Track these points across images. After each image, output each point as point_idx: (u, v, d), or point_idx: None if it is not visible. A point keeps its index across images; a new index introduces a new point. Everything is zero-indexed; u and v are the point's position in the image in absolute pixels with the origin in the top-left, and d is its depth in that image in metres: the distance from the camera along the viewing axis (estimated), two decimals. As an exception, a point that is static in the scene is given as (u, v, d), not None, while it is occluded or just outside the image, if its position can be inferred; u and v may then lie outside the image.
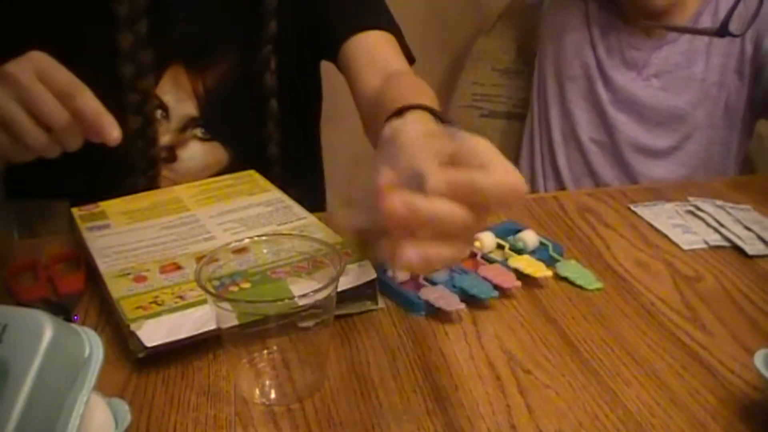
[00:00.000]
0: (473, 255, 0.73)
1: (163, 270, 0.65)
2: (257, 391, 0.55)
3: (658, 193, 0.91)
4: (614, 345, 0.61)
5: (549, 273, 0.70)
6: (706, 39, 1.18)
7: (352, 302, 0.64)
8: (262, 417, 0.53)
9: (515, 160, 1.48)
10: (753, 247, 0.77)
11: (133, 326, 0.57)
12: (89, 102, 0.59)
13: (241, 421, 0.53)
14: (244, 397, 0.55)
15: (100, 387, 0.44)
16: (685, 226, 0.82)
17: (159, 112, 0.89)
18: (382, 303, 0.66)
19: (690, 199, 0.88)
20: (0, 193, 0.95)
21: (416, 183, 0.44)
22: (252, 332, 0.53)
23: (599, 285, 0.70)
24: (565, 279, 0.71)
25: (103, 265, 0.66)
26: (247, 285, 0.58)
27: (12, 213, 0.99)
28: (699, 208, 0.85)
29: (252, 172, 0.87)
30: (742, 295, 0.69)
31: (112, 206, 0.78)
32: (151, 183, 0.89)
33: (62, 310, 0.64)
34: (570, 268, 0.72)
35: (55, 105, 0.58)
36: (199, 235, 0.71)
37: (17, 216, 0.99)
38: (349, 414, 0.53)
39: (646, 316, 0.66)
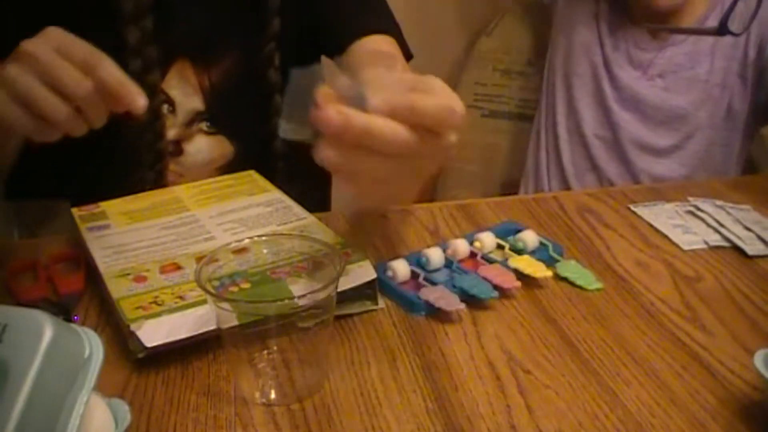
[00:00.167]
0: (473, 255, 0.73)
1: (163, 270, 0.65)
2: (257, 391, 0.55)
3: (658, 194, 0.91)
4: (614, 345, 0.61)
5: (549, 273, 0.69)
6: (710, 41, 1.19)
7: (352, 302, 0.64)
8: (262, 417, 0.53)
9: (518, 158, 1.48)
10: (753, 248, 0.77)
11: (133, 326, 0.57)
12: (112, 71, 0.58)
13: (241, 421, 0.53)
14: (244, 397, 0.55)
15: (100, 387, 0.44)
16: (685, 227, 0.82)
17: (165, 107, 0.89)
18: (382, 303, 0.66)
19: (690, 199, 0.88)
20: (0, 193, 0.95)
21: (359, 102, 0.47)
22: (252, 332, 0.53)
23: (599, 285, 0.70)
24: (565, 279, 0.71)
25: (103, 265, 0.66)
26: (247, 285, 0.58)
27: (12, 213, 0.99)
28: (699, 209, 0.85)
29: (252, 172, 0.87)
30: (742, 295, 0.69)
31: (112, 206, 0.78)
32: (159, 177, 0.90)
33: (62, 310, 0.64)
34: (570, 268, 0.72)
35: (78, 75, 0.57)
36: (199, 236, 0.71)
37: (17, 216, 0.99)
38: (349, 414, 0.53)
39: (646, 316, 0.66)
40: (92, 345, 0.44)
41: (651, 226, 0.83)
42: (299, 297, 0.51)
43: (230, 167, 0.92)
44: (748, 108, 1.23)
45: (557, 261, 0.73)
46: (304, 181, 0.85)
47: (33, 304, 0.63)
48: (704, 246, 0.78)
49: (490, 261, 0.72)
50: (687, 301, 0.68)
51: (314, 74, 0.50)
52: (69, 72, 0.57)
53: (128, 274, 0.64)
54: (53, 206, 0.92)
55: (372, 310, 0.65)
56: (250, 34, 0.91)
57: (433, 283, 0.67)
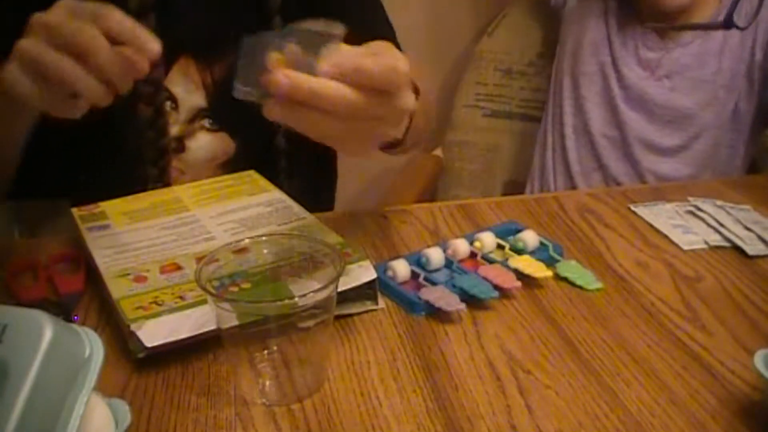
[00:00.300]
0: (473, 255, 0.73)
1: (163, 270, 0.65)
2: (257, 391, 0.55)
3: (659, 194, 0.91)
4: (614, 345, 0.61)
5: (549, 273, 0.69)
6: (718, 43, 1.20)
7: (352, 302, 0.64)
8: (262, 417, 0.53)
9: (518, 157, 1.49)
10: (753, 248, 0.77)
11: (133, 326, 0.57)
12: (123, 21, 0.57)
13: (241, 421, 0.53)
14: (244, 397, 0.55)
15: (100, 387, 0.44)
16: (685, 227, 0.82)
17: (168, 104, 0.90)
18: (382, 303, 0.66)
19: (690, 199, 0.88)
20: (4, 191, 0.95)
21: (308, 68, 0.51)
22: (252, 332, 0.53)
23: (599, 285, 0.70)
24: (565, 279, 0.71)
25: (103, 265, 0.66)
26: (247, 285, 0.58)
27: (12, 213, 0.99)
28: (699, 209, 0.85)
29: (252, 172, 0.87)
30: (742, 295, 0.69)
31: (112, 206, 0.78)
32: (161, 173, 0.90)
33: (62, 310, 0.64)
34: (570, 268, 0.72)
35: (93, 32, 0.55)
36: (199, 236, 0.71)
37: (17, 216, 0.99)
38: (349, 414, 0.53)
39: (646, 316, 0.66)
40: (92, 345, 0.44)
41: (651, 226, 0.83)
42: (299, 297, 0.51)
43: (232, 164, 0.92)
44: (754, 109, 1.24)
45: (557, 261, 0.73)
46: (307, 178, 0.85)
47: (33, 304, 0.63)
48: (704, 246, 0.78)
49: (490, 261, 0.72)
50: (687, 301, 0.68)
51: (265, 41, 0.54)
52: (84, 31, 0.55)
53: (128, 274, 0.64)
54: (53, 206, 0.92)
55: (372, 310, 0.65)
56: (251, 33, 0.91)
57: (433, 283, 0.67)
